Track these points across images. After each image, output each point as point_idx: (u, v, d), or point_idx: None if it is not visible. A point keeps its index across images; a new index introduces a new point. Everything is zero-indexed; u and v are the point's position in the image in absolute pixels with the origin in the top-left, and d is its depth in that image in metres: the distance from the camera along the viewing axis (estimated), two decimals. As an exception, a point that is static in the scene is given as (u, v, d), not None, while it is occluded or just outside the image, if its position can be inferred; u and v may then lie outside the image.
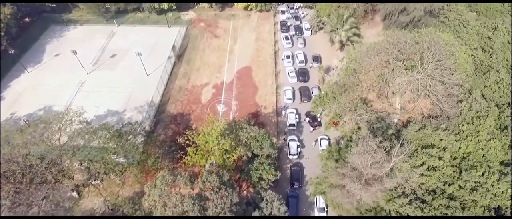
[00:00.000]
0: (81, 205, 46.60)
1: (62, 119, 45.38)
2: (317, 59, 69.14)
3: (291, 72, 66.10)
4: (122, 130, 46.88)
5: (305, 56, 70.24)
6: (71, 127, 45.54)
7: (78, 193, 47.98)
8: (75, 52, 64.34)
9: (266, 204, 40.54)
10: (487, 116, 44.82)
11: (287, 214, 41.20)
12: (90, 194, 47.71)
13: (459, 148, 42.96)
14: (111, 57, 70.49)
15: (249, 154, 46.47)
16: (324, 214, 46.21)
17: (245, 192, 47.11)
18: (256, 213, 38.90)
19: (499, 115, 45.85)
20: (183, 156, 45.70)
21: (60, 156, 43.71)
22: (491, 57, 53.66)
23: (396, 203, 39.47)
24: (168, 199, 37.56)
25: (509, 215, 38.44)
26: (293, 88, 63.28)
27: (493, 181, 39.98)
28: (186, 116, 59.20)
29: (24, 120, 54.87)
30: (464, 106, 46.09)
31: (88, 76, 65.69)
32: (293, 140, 54.16)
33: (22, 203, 39.96)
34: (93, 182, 47.09)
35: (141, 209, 40.75)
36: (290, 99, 61.10)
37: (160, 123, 58.18)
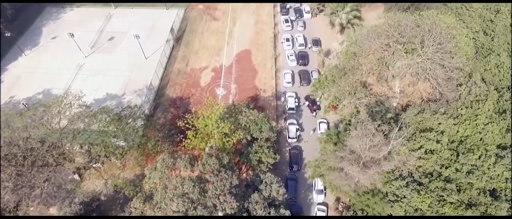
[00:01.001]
0: (83, 187, 47.24)
1: (62, 102, 45.38)
2: (317, 42, 68.50)
3: (290, 55, 65.62)
4: (121, 114, 46.99)
5: (305, 39, 69.56)
6: (70, 110, 45.62)
7: (80, 176, 48.57)
8: (72, 35, 63.58)
9: (265, 186, 41.15)
10: (486, 100, 44.90)
11: (286, 196, 41.91)
12: (92, 177, 48.29)
13: (457, 131, 43.27)
14: (109, 40, 69.74)
15: (249, 137, 46.79)
16: (322, 196, 47.00)
17: (244, 174, 47.73)
18: (255, 195, 39.54)
19: (498, 99, 45.93)
20: (183, 140, 46.01)
21: (60, 139, 43.97)
22: (492, 40, 53.18)
23: (393, 185, 40.11)
24: (168, 181, 38.08)
25: (508, 199, 39.07)
26: (292, 71, 63.01)
27: (490, 164, 40.51)
28: (185, 100, 59.18)
29: (23, 104, 54.82)
30: (464, 90, 46.09)
31: (86, 59, 65.18)
32: (292, 123, 54.40)
33: (24, 185, 40.55)
34: (94, 165, 47.59)
35: (142, 191, 41.38)
36: (290, 82, 60.94)
37: (159, 107, 58.23)
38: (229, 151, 44.77)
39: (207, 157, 39.64)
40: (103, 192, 46.81)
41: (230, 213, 37.63)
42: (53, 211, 44.33)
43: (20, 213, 43.23)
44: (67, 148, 45.15)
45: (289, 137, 52.99)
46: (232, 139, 45.04)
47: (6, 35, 65.63)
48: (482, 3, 55.79)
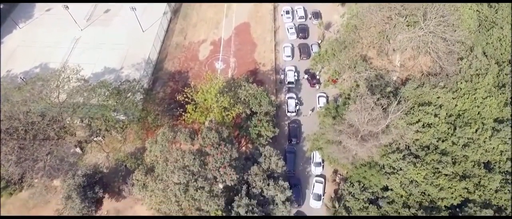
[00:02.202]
0: (85, 160, 48.01)
1: (60, 76, 45.09)
2: (317, 15, 67.04)
3: (290, 28, 64.42)
4: (120, 88, 46.84)
5: (305, 11, 68.00)
6: (69, 84, 45.43)
7: (82, 149, 49.20)
8: (67, 6, 61.93)
9: (265, 159, 41.91)
10: (487, 74, 44.79)
11: (284, 169, 42.81)
12: (93, 150, 48.93)
13: (456, 105, 43.51)
14: (105, 13, 68.06)
15: (248, 111, 47.02)
16: (320, 168, 47.98)
17: (244, 148, 48.41)
18: (255, 168, 40.36)
19: (498, 73, 45.80)
20: (183, 114, 46.23)
21: (60, 113, 44.12)
22: (496, 13, 52.16)
23: (390, 158, 40.88)
24: (169, 154, 38.69)
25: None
26: (292, 45, 62.16)
27: (486, 138, 41.11)
28: (184, 74, 58.80)
29: (21, 78, 54.43)
30: (464, 63, 45.84)
31: (82, 33, 63.95)
32: (291, 97, 54.47)
33: (27, 158, 41.18)
34: (95, 139, 48.08)
35: (144, 163, 42.13)
36: (289, 56, 60.32)
37: (158, 81, 57.95)
38: (228, 125, 45.14)
39: (207, 131, 40.05)
40: (105, 165, 47.64)
41: (230, 185, 38.60)
42: (56, 183, 45.36)
43: (25, 185, 44.29)
44: (68, 122, 45.39)
45: (288, 111, 53.26)
46: (232, 113, 45.26)
47: (-1, 7, 64.03)
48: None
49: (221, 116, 44.93)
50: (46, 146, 42.47)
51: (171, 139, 40.04)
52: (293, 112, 53.18)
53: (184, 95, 46.39)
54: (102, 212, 44.84)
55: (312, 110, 52.98)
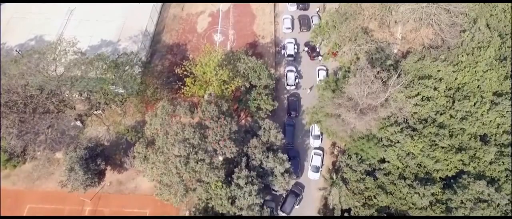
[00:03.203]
0: (86, 133, 48.43)
1: (56, 49, 44.46)
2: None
3: (290, -1, 62.71)
4: (118, 61, 46.37)
5: (306, -19, 65.85)
6: (66, 57, 44.92)
7: (82, 122, 49.49)
8: (60, -24, 59.81)
9: (264, 132, 42.32)
10: (488, 46, 44.24)
11: (283, 141, 43.36)
12: (94, 123, 49.23)
13: (456, 79, 43.37)
14: (99, -18, 65.80)
15: (247, 85, 46.89)
16: (319, 141, 48.61)
17: (243, 121, 48.75)
18: (254, 140, 40.87)
19: (500, 46, 45.23)
20: (182, 87, 46.09)
21: (59, 87, 43.96)
22: (502, -18, 50.62)
23: (388, 131, 41.32)
24: (169, 127, 39.02)
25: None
26: (292, 16, 60.81)
27: (484, 111, 41.35)
28: (182, 46, 57.95)
29: (16, 50, 53.61)
30: (467, 36, 45.13)
31: (77, 4, 62.18)
32: (291, 70, 54.09)
33: (29, 131, 41.54)
34: (95, 112, 48.22)
35: (144, 136, 42.58)
36: (289, 28, 59.20)
37: (156, 54, 57.24)
38: (228, 98, 45.16)
39: (206, 104, 40.14)
40: (106, 138, 48.14)
41: (230, 157, 39.26)
42: (59, 155, 46.06)
43: (28, 158, 44.98)
44: (67, 95, 45.33)
45: (287, 84, 53.09)
46: (231, 86, 45.14)
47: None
48: None
49: (220, 89, 44.84)
50: (47, 120, 42.69)
51: (171, 112, 40.21)
52: (292, 85, 53.03)
53: (183, 68, 46.01)
54: (105, 183, 45.92)
55: (311, 88, 52.68)
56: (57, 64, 44.23)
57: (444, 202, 39.24)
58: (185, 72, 45.98)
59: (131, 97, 46.72)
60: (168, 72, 52.29)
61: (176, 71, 46.72)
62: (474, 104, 41.52)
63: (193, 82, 45.74)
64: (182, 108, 40.09)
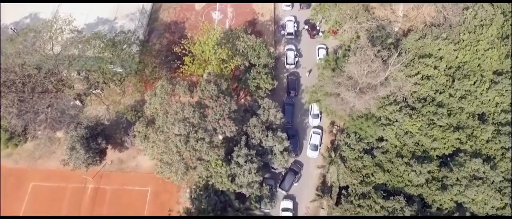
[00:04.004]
0: (86, 112, 48.48)
1: (52, 27, 43.74)
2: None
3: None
4: (115, 39, 45.71)
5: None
6: (62, 36, 44.26)
7: (81, 102, 49.45)
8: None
9: (263, 111, 42.46)
10: (491, 24, 43.63)
11: (283, 120, 43.60)
12: (93, 103, 49.16)
13: (456, 57, 43.08)
14: (93, -43, 63.69)
15: (246, 64, 46.54)
16: (318, 120, 48.88)
17: (242, 100, 48.76)
18: (253, 119, 41.08)
19: (503, 23, 44.61)
20: (180, 66, 45.74)
21: (56, 66, 43.58)
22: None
23: (386, 110, 41.48)
24: (169, 106, 39.08)
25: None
26: (292, -7, 59.44)
27: (483, 90, 41.37)
28: (180, 24, 56.99)
29: (11, 29, 52.68)
30: (470, 14, 44.40)
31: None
32: (290, 49, 53.53)
33: (28, 111, 41.62)
34: (94, 91, 48.07)
35: (144, 116, 42.71)
36: (289, 6, 58.00)
37: (154, 32, 56.36)
38: (227, 77, 44.94)
39: (206, 83, 40.02)
40: (106, 117, 48.28)
41: (229, 136, 39.59)
42: (60, 135, 46.37)
43: (29, 137, 45.30)
44: (65, 74, 45.04)
45: (287, 63, 52.71)
46: (230, 65, 44.81)
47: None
48: None
49: (219, 68, 44.55)
50: (46, 99, 42.64)
51: (170, 91, 40.14)
52: (292, 64, 52.65)
53: (181, 47, 45.49)
54: (107, 162, 46.50)
55: (310, 71, 52.21)
56: (53, 42, 43.62)
57: (440, 179, 40.01)
58: (183, 51, 45.49)
59: (129, 76, 46.45)
60: (166, 51, 51.71)
61: (174, 49, 46.21)
62: (474, 83, 41.48)
63: (191, 61, 45.35)
64: (181, 87, 40.00)
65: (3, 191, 44.50)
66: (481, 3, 44.97)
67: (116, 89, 47.50)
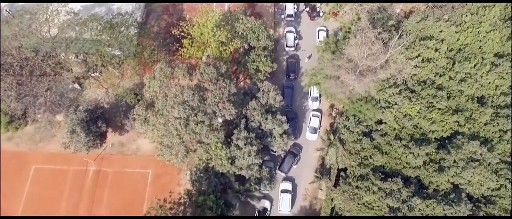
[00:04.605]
0: (85, 96, 48.43)
1: (47, 9, 43.01)
2: None
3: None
4: (113, 21, 45.06)
5: None
6: (58, 18, 43.62)
7: (80, 85, 49.29)
8: None
9: (263, 94, 42.45)
10: (494, 6, 42.95)
11: (282, 103, 43.65)
12: (92, 86, 48.99)
13: (458, 39, 42.67)
14: None
15: (246, 46, 46.12)
16: (317, 103, 48.93)
17: (242, 83, 48.60)
18: (253, 102, 41.11)
19: (506, 5, 43.91)
20: (179, 48, 45.33)
21: (54, 49, 43.18)
22: None
23: (386, 92, 41.47)
24: (168, 90, 39.01)
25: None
26: (292, -27, 58.09)
27: (483, 72, 41.22)
28: (179, 6, 55.97)
29: (6, 10, 51.78)
30: (473, -6, 43.63)
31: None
32: (290, 31, 52.90)
33: (27, 94, 41.56)
34: (92, 74, 47.84)
35: (143, 99, 42.69)
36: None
37: (151, 14, 55.45)
38: (226, 60, 44.66)
39: (205, 66, 39.79)
40: (106, 100, 48.24)
41: (229, 119, 39.74)
42: (60, 118, 46.49)
43: (29, 120, 45.43)
44: (63, 57, 44.68)
45: (286, 46, 52.22)
46: (229, 47, 44.42)
47: None
48: None
49: (218, 51, 44.17)
50: (44, 82, 42.49)
51: (169, 74, 39.95)
52: (292, 46, 52.17)
53: (180, 29, 44.93)
54: (107, 144, 46.84)
55: (309, 57, 51.67)
56: (50, 25, 43.05)
57: (437, 161, 40.49)
58: (182, 33, 44.96)
59: (128, 59, 46.09)
60: (164, 33, 51.06)
61: (173, 32, 45.65)
62: (474, 65, 41.28)
63: (190, 44, 44.91)
64: (180, 70, 39.78)
65: (6, 174, 45.02)
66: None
67: (114, 72, 47.25)
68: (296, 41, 52.44)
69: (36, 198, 44.19)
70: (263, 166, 42.53)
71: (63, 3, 43.73)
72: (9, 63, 41.36)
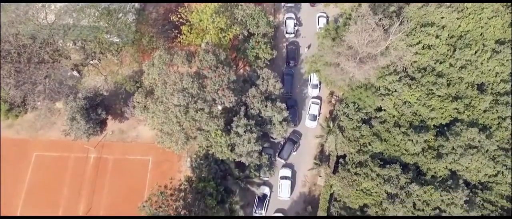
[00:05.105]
0: (84, 83, 48.34)
1: (44, -6, 42.43)
2: None
3: None
4: (110, 8, 44.51)
5: None
6: (55, 4, 42.99)
7: (79, 72, 49.09)
8: None
9: (262, 81, 42.35)
10: (497, -9, 42.37)
11: (282, 91, 43.60)
12: (91, 73, 48.89)
13: (459, 26, 42.26)
14: None
15: (245, 33, 45.72)
16: (317, 90, 48.87)
17: (241, 70, 48.40)
18: (252, 90, 41.04)
19: (509, -10, 43.32)
20: (178, 35, 44.95)
21: (51, 36, 42.80)
22: None
23: (386, 80, 41.37)
24: (167, 77, 38.88)
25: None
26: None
27: (484, 59, 41.02)
28: (177, -8, 55.19)
29: (3, -3, 51.04)
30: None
31: None
32: (290, 18, 52.31)
33: (26, 82, 41.45)
34: (91, 62, 47.60)
35: (143, 86, 42.59)
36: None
37: (150, 0, 54.72)
38: (225, 47, 44.36)
39: (204, 53, 39.55)
40: (105, 88, 48.16)
41: (229, 107, 39.77)
42: (59, 105, 46.48)
43: (29, 108, 45.44)
44: (60, 44, 44.33)
45: (286, 33, 51.75)
46: (228, 34, 44.04)
47: None
48: None
49: (217, 37, 43.81)
50: (43, 70, 42.32)
51: (168, 61, 39.74)
52: (291, 33, 51.71)
53: (178, 16, 44.45)
54: (107, 132, 47.01)
55: (309, 47, 51.16)
56: (46, 11, 42.52)
57: (436, 148, 40.77)
58: (181, 20, 44.49)
59: (126, 46, 45.78)
60: (163, 20, 50.53)
61: (171, 18, 45.17)
62: (475, 52, 41.03)
63: (189, 30, 44.50)
64: (179, 57, 39.55)
65: (7, 161, 45.34)
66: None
67: (113, 59, 47.02)
68: (296, 28, 51.94)
69: (38, 184, 44.66)
70: (263, 153, 42.85)
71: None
72: (7, 50, 41.09)
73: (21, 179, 44.95)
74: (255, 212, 43.09)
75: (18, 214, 43.54)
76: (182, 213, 36.60)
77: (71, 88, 45.21)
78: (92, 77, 48.84)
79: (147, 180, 44.89)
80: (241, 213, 41.16)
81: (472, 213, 37.35)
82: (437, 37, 41.31)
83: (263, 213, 43.06)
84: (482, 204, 38.72)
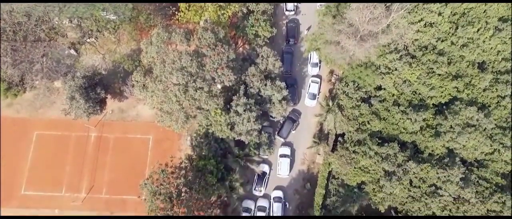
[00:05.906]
0: (82, 62, 47.90)
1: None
2: None
3: None
4: (106, -16, 43.35)
5: None
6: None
7: (76, 51, 48.53)
8: None
9: (262, 60, 42.00)
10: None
11: (281, 69, 43.32)
12: (88, 52, 48.34)
13: (462, 2, 41.37)
14: None
15: (244, 10, 44.87)
16: (317, 69, 48.57)
17: (241, 48, 47.89)
18: (252, 68, 40.77)
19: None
20: (176, 12, 44.09)
21: (46, 13, 41.98)
22: None
23: (386, 58, 41.03)
24: (166, 56, 38.50)
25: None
26: None
27: (486, 37, 40.50)
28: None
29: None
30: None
31: None
32: (290, -6, 51.12)
33: (23, 60, 41.07)
34: (88, 40, 46.96)
35: (141, 65, 42.25)
36: None
37: (146, -25, 53.20)
38: (224, 25, 43.65)
39: (203, 31, 38.98)
40: (103, 67, 47.78)
41: (228, 85, 39.65)
42: (57, 85, 46.29)
43: (27, 87, 45.26)
44: (56, 22, 43.56)
45: (286, 10, 50.76)
46: (227, 11, 43.21)
47: None
48: None
49: (216, 15, 43.02)
50: (39, 48, 41.85)
51: (166, 40, 39.21)
52: (291, 10, 50.73)
53: (176, -8, 43.42)
54: (107, 111, 47.10)
55: (309, 29, 50.17)
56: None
57: (434, 127, 41.06)
58: (178, -4, 43.50)
59: (124, 24, 45.03)
60: (160, -4, 49.36)
61: (169, -5, 44.16)
62: (478, 30, 40.44)
63: (187, 8, 43.59)
64: (178, 35, 38.99)
65: (9, 140, 45.70)
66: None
67: (111, 38, 46.39)
68: (296, 5, 50.88)
69: (41, 162, 45.25)
70: (262, 132, 43.17)
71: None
72: (2, 28, 40.45)
73: (23, 158, 45.50)
74: (254, 189, 43.99)
75: (22, 192, 44.40)
76: (183, 190, 37.34)
77: (69, 67, 44.83)
78: (89, 55, 48.33)
79: (148, 158, 45.49)
80: (241, 191, 42.01)
81: (467, 190, 38.12)
82: (439, 14, 40.57)
83: (262, 190, 43.97)
84: (477, 181, 39.47)
